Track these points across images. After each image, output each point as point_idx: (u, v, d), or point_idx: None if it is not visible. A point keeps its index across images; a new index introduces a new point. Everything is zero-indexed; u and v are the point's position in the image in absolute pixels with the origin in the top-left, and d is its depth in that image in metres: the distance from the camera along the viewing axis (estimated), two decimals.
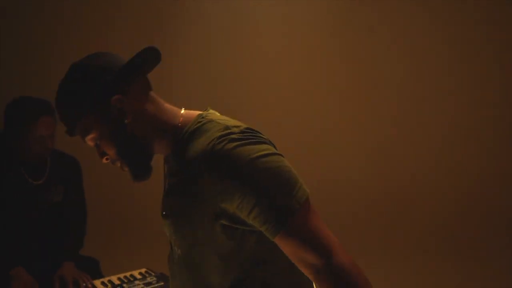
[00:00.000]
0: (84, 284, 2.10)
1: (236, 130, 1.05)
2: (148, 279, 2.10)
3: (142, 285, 2.03)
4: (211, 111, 1.24)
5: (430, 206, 4.24)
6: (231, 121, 1.12)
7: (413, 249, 3.88)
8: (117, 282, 2.10)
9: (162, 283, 2.04)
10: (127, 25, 4.21)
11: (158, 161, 1.20)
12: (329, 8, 4.26)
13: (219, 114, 1.22)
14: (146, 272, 2.21)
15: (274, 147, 1.10)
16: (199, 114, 1.18)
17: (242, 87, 4.13)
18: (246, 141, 1.02)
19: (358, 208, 4.20)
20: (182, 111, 1.20)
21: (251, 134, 1.06)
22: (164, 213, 1.17)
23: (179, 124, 1.15)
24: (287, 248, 1.02)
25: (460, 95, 4.27)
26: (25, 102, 2.16)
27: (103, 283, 2.11)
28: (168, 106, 1.19)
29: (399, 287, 3.32)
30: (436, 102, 4.32)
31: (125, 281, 2.10)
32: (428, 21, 4.25)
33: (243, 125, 1.09)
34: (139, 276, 2.15)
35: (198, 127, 1.11)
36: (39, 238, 2.30)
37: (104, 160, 1.14)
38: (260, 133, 1.10)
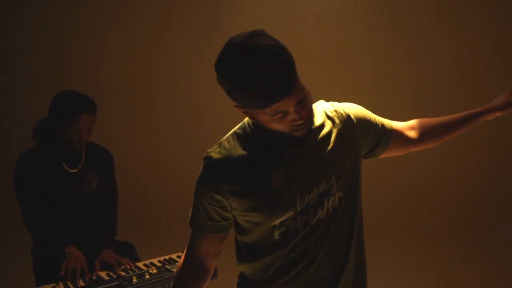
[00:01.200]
0: (128, 266, 2.22)
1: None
2: None
3: None
4: None
5: (434, 201, 4.36)
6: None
7: (420, 243, 3.98)
8: (158, 264, 2.23)
9: None
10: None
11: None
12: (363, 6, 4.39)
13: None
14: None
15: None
16: None
17: None
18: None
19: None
20: None
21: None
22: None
23: None
24: None
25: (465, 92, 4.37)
26: (72, 97, 2.30)
27: (145, 265, 2.24)
28: None
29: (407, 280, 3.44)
30: (442, 97, 4.42)
31: (166, 263, 2.24)
32: (435, 20, 4.38)
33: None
34: (178, 259, 2.28)
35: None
36: (77, 224, 2.42)
37: (303, 115, 1.14)
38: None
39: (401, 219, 4.28)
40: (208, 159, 1.24)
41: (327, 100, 1.37)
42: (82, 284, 2.06)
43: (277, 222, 1.22)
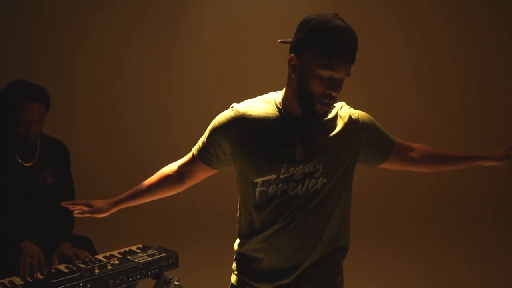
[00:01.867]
0: (87, 259, 2.19)
1: None
2: (149, 252, 2.25)
3: (146, 256, 2.18)
4: None
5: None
6: None
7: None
8: (118, 255, 2.22)
9: (164, 254, 2.21)
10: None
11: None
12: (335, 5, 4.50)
13: None
14: (143, 246, 2.35)
15: None
16: None
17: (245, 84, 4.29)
18: None
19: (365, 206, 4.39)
20: None
21: None
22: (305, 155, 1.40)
23: None
24: None
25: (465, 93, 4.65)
26: (21, 85, 2.23)
27: (105, 257, 2.22)
28: None
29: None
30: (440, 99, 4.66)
31: (127, 254, 2.24)
32: (429, 20, 4.60)
33: None
34: (138, 250, 2.29)
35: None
36: (33, 218, 2.35)
37: (337, 91, 1.35)
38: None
39: (392, 218, 4.41)
40: (233, 108, 1.48)
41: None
42: (40, 276, 2.03)
43: (259, 179, 1.39)
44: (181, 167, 1.64)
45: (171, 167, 1.67)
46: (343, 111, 1.49)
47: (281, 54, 5.06)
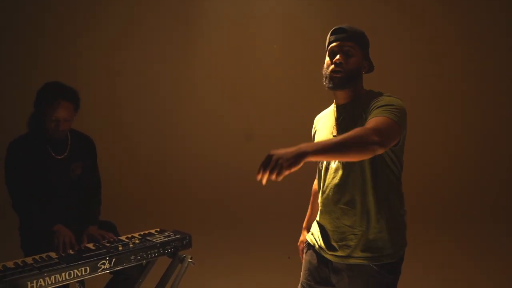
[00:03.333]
0: (112, 239, 2.49)
1: None
2: (166, 233, 2.53)
3: (162, 237, 2.47)
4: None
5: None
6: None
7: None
8: (139, 237, 2.51)
9: (179, 236, 2.49)
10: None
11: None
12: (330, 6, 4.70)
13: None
14: (161, 230, 2.64)
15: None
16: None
17: (244, 87, 4.54)
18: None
19: None
20: None
21: None
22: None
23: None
24: None
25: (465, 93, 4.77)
26: (53, 85, 2.53)
27: (127, 237, 2.52)
28: None
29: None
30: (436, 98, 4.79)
31: (146, 235, 2.53)
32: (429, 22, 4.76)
33: None
34: (156, 233, 2.58)
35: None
36: (62, 206, 2.65)
37: (338, 61, 1.84)
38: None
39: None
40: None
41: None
42: (72, 252, 2.33)
43: None
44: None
45: (315, 182, 2.20)
46: (372, 98, 1.82)
47: (286, 55, 5.34)
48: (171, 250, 2.43)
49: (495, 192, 4.79)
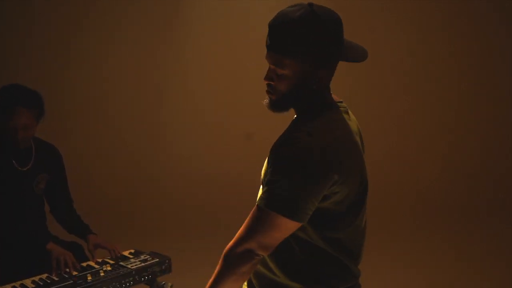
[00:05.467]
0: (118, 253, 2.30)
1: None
2: (142, 257, 2.23)
3: (138, 262, 2.17)
4: (343, 103, 1.41)
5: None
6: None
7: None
8: (111, 261, 2.21)
9: (157, 259, 2.20)
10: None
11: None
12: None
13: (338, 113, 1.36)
14: (135, 252, 2.33)
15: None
16: (328, 103, 1.35)
17: (240, 85, 4.26)
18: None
19: None
20: (331, 93, 1.39)
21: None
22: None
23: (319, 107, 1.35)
24: None
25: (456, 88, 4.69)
26: (11, 89, 2.20)
27: (97, 263, 2.21)
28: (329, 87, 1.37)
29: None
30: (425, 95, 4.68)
31: (120, 259, 2.22)
32: (426, 23, 4.61)
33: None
34: (130, 256, 2.28)
35: (316, 110, 1.31)
36: (25, 223, 2.33)
37: (265, 80, 1.32)
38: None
39: (391, 216, 4.40)
40: None
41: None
42: (75, 272, 2.07)
43: None
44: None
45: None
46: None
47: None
48: (148, 276, 2.13)
49: (497, 192, 4.72)
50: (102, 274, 2.04)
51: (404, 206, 4.54)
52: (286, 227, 1.22)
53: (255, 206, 1.25)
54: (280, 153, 1.23)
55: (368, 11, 4.56)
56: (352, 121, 1.41)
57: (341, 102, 1.41)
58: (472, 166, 4.76)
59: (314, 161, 1.18)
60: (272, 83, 1.30)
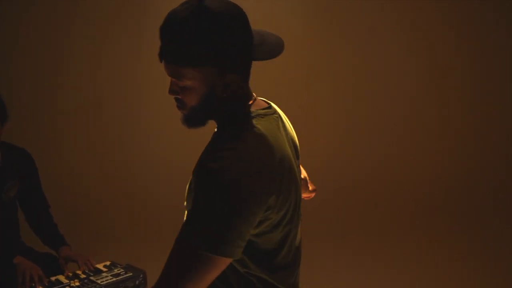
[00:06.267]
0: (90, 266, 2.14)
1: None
2: (115, 271, 2.07)
3: (110, 277, 2.00)
4: (272, 108, 1.22)
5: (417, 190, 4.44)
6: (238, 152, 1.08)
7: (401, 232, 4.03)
8: (82, 276, 2.05)
9: (131, 274, 2.03)
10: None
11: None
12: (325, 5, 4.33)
13: (267, 120, 1.17)
14: (111, 264, 2.17)
15: None
16: (252, 117, 1.15)
17: None
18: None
19: (343, 198, 4.31)
20: (255, 98, 1.20)
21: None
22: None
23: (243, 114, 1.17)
24: None
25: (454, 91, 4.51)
26: None
27: (68, 277, 2.05)
28: (250, 90, 1.19)
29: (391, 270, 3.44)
30: (425, 95, 4.51)
31: (91, 274, 2.06)
32: (426, 21, 4.44)
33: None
34: (104, 269, 2.12)
35: (231, 130, 1.13)
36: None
37: (170, 94, 1.13)
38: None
39: (376, 216, 4.29)
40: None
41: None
42: None
43: None
44: None
45: None
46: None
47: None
48: None
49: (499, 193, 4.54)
50: None
51: (404, 207, 4.39)
52: (219, 265, 1.03)
53: (180, 241, 1.04)
54: (205, 179, 1.02)
55: (369, 11, 4.40)
56: (285, 128, 1.23)
57: (269, 108, 1.21)
58: (473, 167, 4.58)
59: (244, 187, 1.00)
60: (178, 96, 1.12)
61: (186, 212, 1.18)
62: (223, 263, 1.03)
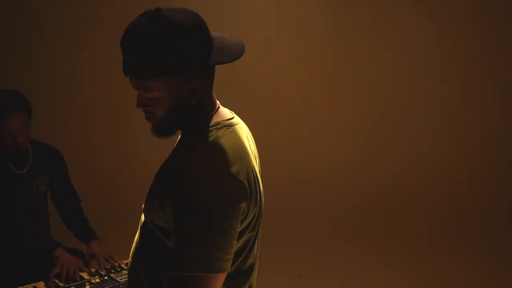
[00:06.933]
0: (116, 264, 2.18)
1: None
2: None
3: None
4: (235, 119, 1.24)
5: (423, 200, 4.29)
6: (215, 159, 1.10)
7: (407, 241, 3.93)
8: (103, 272, 2.08)
9: None
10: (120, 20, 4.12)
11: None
12: (323, 5, 4.24)
13: (236, 127, 1.20)
14: None
15: None
16: (218, 122, 1.17)
17: (236, 84, 4.02)
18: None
19: (352, 202, 4.22)
20: (218, 106, 1.22)
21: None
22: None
23: (209, 119, 1.18)
24: None
25: (457, 93, 4.32)
26: None
27: (90, 273, 2.08)
28: (214, 96, 1.21)
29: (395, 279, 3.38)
30: (429, 99, 4.34)
31: (112, 271, 2.08)
32: (423, 20, 4.28)
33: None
34: (125, 267, 2.13)
35: (202, 139, 1.13)
36: (25, 227, 2.26)
37: (138, 107, 1.15)
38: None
39: (387, 220, 4.19)
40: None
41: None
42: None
43: None
44: None
45: None
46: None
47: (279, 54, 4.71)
48: None
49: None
50: (87, 287, 1.90)
51: (404, 208, 4.26)
52: (219, 282, 1.05)
53: (173, 276, 1.03)
54: (181, 196, 1.03)
55: (368, 9, 4.25)
56: (248, 139, 1.25)
57: (232, 118, 1.22)
58: (463, 168, 4.39)
59: (222, 200, 1.03)
60: (147, 108, 1.13)
61: (143, 216, 1.21)
62: (223, 279, 1.06)
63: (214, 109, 1.18)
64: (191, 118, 1.14)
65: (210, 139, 1.10)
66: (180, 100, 1.09)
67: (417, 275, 3.44)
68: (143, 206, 1.21)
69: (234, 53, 1.11)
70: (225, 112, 1.23)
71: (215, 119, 1.16)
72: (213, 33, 1.13)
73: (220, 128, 1.14)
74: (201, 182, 1.01)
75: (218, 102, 1.22)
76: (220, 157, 1.06)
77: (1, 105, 2.08)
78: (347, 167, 4.33)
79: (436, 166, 4.37)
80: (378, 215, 4.19)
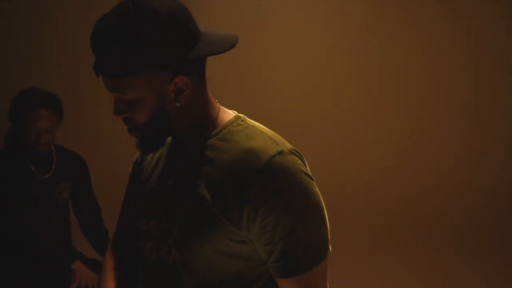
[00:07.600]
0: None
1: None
2: None
3: None
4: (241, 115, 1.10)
5: (439, 204, 4.15)
6: (274, 134, 1.02)
7: (421, 247, 3.81)
8: None
9: None
10: None
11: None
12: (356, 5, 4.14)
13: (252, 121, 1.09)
14: None
15: None
16: (237, 115, 1.06)
17: (254, 85, 3.99)
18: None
19: (368, 207, 4.07)
20: (219, 108, 1.07)
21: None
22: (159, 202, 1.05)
23: (216, 119, 1.03)
24: None
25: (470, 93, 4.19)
26: (30, 92, 2.11)
27: None
28: (210, 95, 1.05)
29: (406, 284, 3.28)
30: (448, 100, 4.21)
31: None
32: (428, 21, 4.16)
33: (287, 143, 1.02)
34: None
35: (239, 130, 1.00)
36: (48, 234, 2.18)
37: (116, 115, 0.98)
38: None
39: (402, 223, 4.06)
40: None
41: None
42: None
43: None
44: None
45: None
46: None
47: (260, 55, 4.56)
48: None
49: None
50: None
51: (404, 209, 4.12)
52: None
53: (300, 277, 0.95)
54: (288, 196, 0.93)
55: (371, 12, 4.13)
56: None
57: (238, 118, 1.07)
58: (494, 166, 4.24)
59: (312, 184, 0.99)
60: (126, 115, 0.96)
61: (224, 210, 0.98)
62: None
63: (215, 112, 1.02)
64: (187, 123, 0.98)
65: (246, 131, 0.98)
66: (163, 102, 0.92)
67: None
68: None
69: (224, 44, 0.95)
70: (226, 114, 1.06)
71: (226, 118, 1.02)
72: (203, 30, 0.98)
73: (243, 120, 1.02)
74: (293, 177, 0.94)
75: (218, 104, 1.05)
76: (280, 141, 0.99)
77: (33, 98, 2.06)
78: (362, 172, 4.14)
79: (453, 170, 4.23)
80: (394, 220, 4.05)
